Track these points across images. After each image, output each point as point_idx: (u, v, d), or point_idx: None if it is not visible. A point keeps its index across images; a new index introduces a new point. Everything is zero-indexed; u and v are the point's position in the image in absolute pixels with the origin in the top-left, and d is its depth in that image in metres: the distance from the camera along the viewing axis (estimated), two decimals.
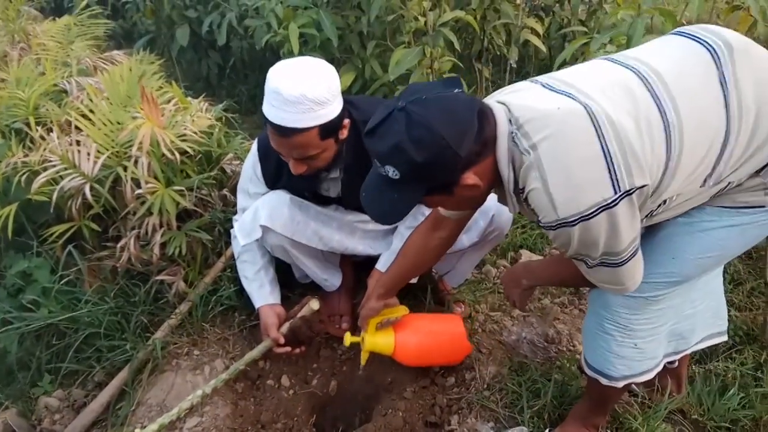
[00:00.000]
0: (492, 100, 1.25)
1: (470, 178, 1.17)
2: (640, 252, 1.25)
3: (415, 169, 1.12)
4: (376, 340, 1.81)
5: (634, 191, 1.10)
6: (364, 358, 1.83)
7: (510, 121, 1.17)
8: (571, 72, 1.25)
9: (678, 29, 1.29)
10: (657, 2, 2.37)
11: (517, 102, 1.19)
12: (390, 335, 1.82)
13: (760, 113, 1.17)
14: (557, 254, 1.40)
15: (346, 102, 1.69)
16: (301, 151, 1.61)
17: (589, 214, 1.10)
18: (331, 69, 1.61)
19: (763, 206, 1.26)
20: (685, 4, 1.87)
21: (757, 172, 1.23)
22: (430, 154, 1.10)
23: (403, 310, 1.88)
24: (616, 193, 1.09)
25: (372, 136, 1.16)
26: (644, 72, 1.17)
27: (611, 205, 1.10)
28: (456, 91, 1.17)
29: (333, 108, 1.58)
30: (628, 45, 1.77)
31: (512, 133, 1.16)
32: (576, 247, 1.18)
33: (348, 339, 1.83)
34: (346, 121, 1.66)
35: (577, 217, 1.11)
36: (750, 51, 1.19)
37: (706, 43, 1.19)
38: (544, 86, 1.21)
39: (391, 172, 1.14)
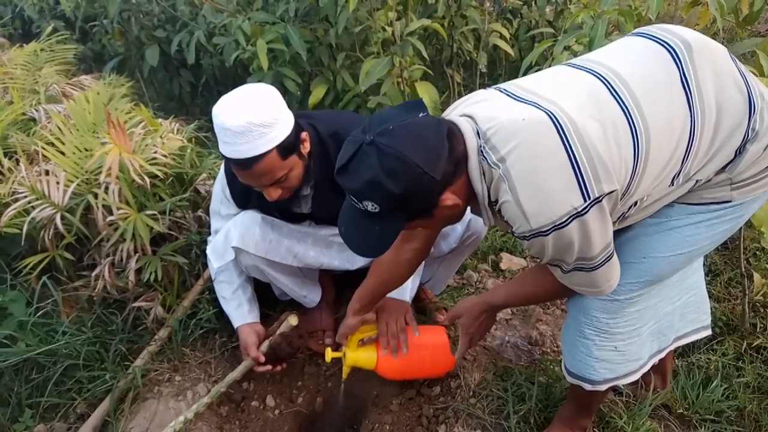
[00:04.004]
0: (455, 113, 1.25)
1: (449, 198, 1.17)
2: (615, 257, 1.26)
3: (395, 200, 1.12)
4: (358, 355, 1.79)
5: (603, 197, 1.11)
6: (345, 372, 1.82)
7: (477, 134, 1.17)
8: (534, 79, 1.26)
9: (637, 30, 1.30)
10: (622, 2, 2.40)
11: (483, 114, 1.18)
12: (372, 350, 1.81)
13: (721, 112, 1.19)
14: (518, 276, 1.42)
15: (306, 117, 1.70)
16: (269, 177, 1.60)
17: (561, 224, 1.11)
18: (271, 89, 1.60)
19: (729, 201, 1.27)
20: (646, 6, 1.89)
21: (723, 168, 1.25)
22: (407, 184, 1.10)
23: None
24: (585, 201, 1.10)
25: (344, 173, 1.15)
26: (607, 76, 1.18)
27: (582, 213, 1.10)
28: (421, 115, 1.16)
29: (283, 126, 1.57)
30: (590, 46, 1.79)
31: (481, 146, 1.17)
32: (551, 254, 1.19)
33: (329, 355, 1.80)
34: (304, 134, 1.65)
35: (550, 227, 1.12)
36: (708, 49, 1.20)
37: (666, 43, 1.20)
38: (507, 95, 1.21)
39: (370, 206, 1.14)
